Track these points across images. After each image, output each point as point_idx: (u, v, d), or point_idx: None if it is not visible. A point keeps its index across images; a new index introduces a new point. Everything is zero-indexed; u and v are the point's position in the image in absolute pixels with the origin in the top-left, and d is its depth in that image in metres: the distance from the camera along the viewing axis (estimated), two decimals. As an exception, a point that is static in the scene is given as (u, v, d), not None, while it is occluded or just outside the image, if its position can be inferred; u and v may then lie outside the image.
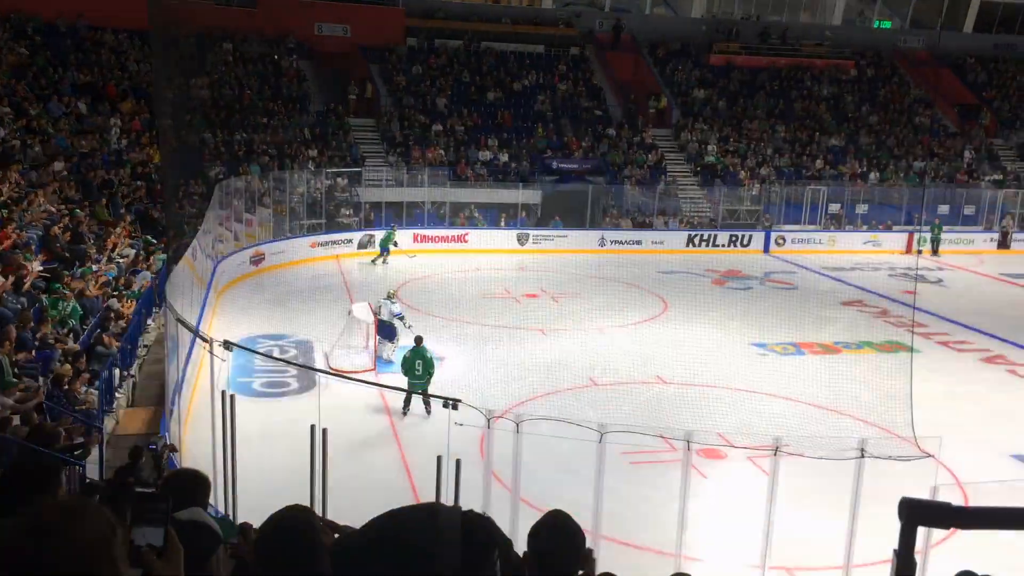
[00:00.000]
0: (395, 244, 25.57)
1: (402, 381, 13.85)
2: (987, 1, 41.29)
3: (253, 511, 9.81)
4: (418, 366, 13.68)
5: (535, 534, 2.70)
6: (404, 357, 14.03)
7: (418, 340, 14.04)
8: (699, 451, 11.04)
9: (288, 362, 15.42)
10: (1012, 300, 24.05)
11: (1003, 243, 31.93)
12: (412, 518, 1.80)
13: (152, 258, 18.92)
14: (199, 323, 15.02)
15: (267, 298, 21.17)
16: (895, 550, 1.79)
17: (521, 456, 9.04)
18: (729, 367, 16.87)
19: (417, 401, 13.75)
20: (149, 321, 16.62)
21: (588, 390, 15.47)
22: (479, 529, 2.36)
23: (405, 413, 13.78)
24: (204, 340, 11.46)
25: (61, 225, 17.10)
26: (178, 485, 3.64)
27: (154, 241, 19.98)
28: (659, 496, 10.55)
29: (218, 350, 10.50)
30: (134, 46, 29.41)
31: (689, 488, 9.16)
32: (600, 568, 3.29)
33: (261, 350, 16.05)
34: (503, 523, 9.42)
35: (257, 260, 23.78)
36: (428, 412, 13.50)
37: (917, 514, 1.81)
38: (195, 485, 3.61)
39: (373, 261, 25.36)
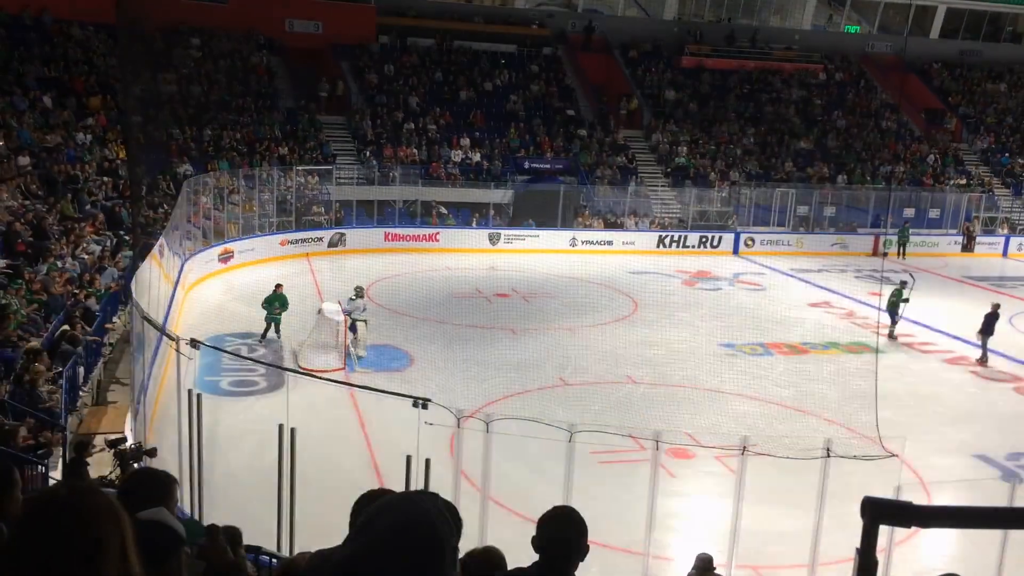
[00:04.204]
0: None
1: (371, 379, 13.78)
2: (953, 8, 42.00)
3: (221, 511, 9.75)
4: (277, 304, 17.38)
5: (544, 523, 2.95)
6: (266, 297, 17.43)
7: (278, 287, 17.65)
8: (668, 451, 11.10)
9: (256, 361, 15.27)
10: (974, 302, 24.45)
11: (967, 246, 32.48)
12: (411, 505, 1.77)
13: (118, 255, 18.66)
14: (166, 321, 14.84)
15: (236, 296, 20.96)
16: (857, 548, 1.81)
17: (491, 456, 9.03)
18: (698, 367, 16.99)
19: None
20: (115, 319, 16.38)
21: (558, 390, 15.50)
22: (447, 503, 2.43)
23: (261, 341, 17.15)
24: (171, 338, 11.31)
25: (24, 221, 16.80)
26: (140, 485, 3.58)
27: (126, 237, 19.70)
28: (628, 495, 10.59)
29: (185, 348, 10.37)
30: (101, 40, 28.98)
31: (658, 487, 9.21)
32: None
33: (229, 349, 15.89)
34: (472, 522, 9.38)
35: (226, 258, 23.54)
36: (277, 335, 17.37)
37: (879, 513, 1.84)
38: (158, 485, 3.55)
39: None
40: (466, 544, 4.38)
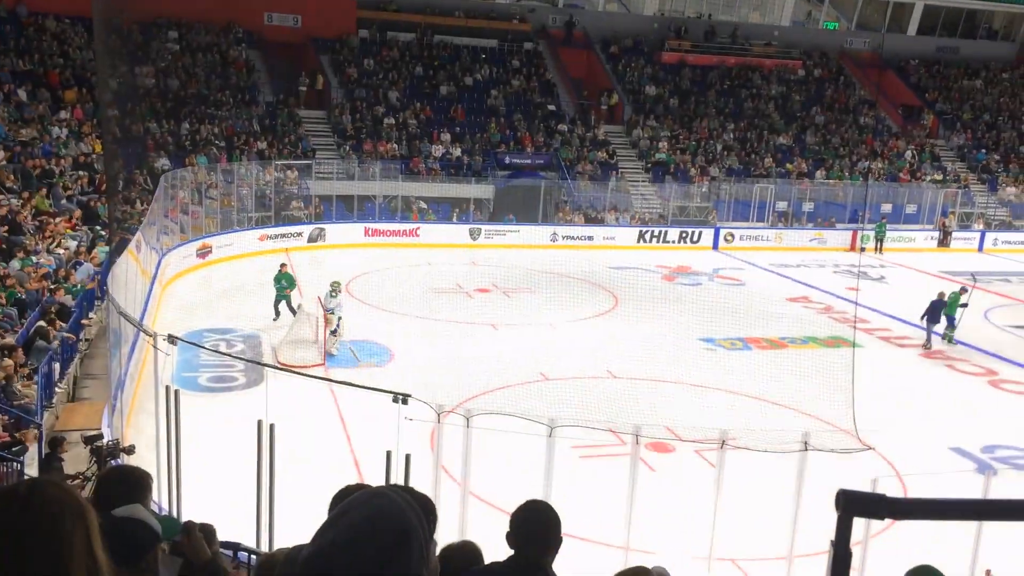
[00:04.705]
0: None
1: (351, 374, 13.74)
2: (930, 5, 42.36)
3: (199, 508, 9.68)
4: (284, 282, 18.29)
5: (517, 518, 2.99)
6: (275, 276, 18.41)
7: (282, 266, 18.79)
8: (647, 445, 11.17)
9: (235, 356, 15.18)
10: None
11: (943, 241, 32.81)
12: (380, 502, 1.76)
13: (95, 250, 18.46)
14: (143, 317, 14.71)
15: (214, 291, 20.81)
16: (832, 541, 1.82)
17: (471, 451, 9.03)
18: (678, 362, 17.06)
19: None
20: (91, 315, 16.21)
21: (539, 385, 15.51)
22: (423, 497, 2.42)
23: (276, 319, 17.92)
24: (148, 334, 11.22)
25: (-2, 215, 16.60)
26: (115, 482, 3.55)
27: (102, 232, 19.50)
28: (608, 490, 10.62)
29: (162, 344, 10.29)
30: (77, 33, 28.65)
31: (637, 481, 9.25)
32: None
33: (207, 344, 15.78)
34: (453, 517, 9.41)
35: (204, 253, 23.37)
36: (288, 312, 17.98)
37: (853, 505, 1.84)
38: (133, 481, 3.52)
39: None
40: (447, 538, 4.39)
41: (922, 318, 19.32)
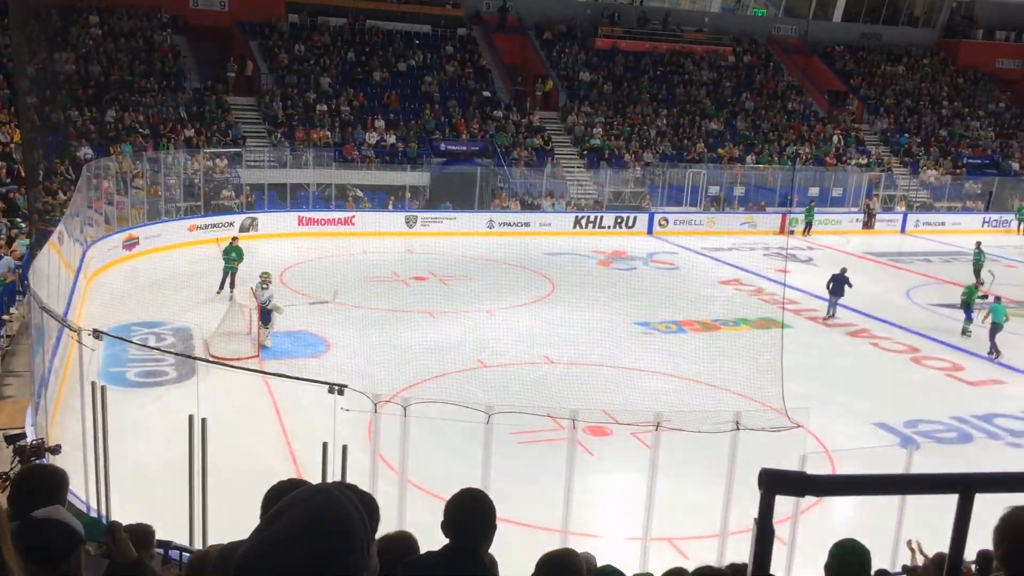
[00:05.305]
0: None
1: (286, 366, 13.56)
2: (854, -8, 43.44)
3: (131, 506, 9.46)
4: (233, 254, 19.15)
5: (452, 507, 3.03)
6: (224, 248, 19.42)
7: (234, 239, 19.73)
8: (585, 429, 11.27)
9: (164, 350, 14.83)
10: (875, 277, 25.54)
11: (868, 224, 33.81)
12: (321, 499, 1.72)
13: (15, 243, 17.78)
14: (67, 312, 14.27)
15: (142, 284, 20.28)
16: (755, 519, 1.86)
17: (408, 440, 9.00)
18: (614, 346, 17.26)
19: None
20: (12, 310, 15.63)
21: (477, 372, 15.54)
22: (366, 496, 2.40)
23: (219, 292, 18.73)
24: (71, 329, 10.88)
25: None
26: (33, 483, 3.44)
27: (23, 225, 18.78)
28: (547, 474, 10.71)
29: (87, 339, 9.99)
30: (-10, 16, 27.44)
31: (575, 465, 9.35)
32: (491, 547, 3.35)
33: (136, 338, 15.39)
34: (391, 506, 9.34)
35: (131, 244, 22.73)
36: (227, 289, 18.82)
37: (775, 483, 1.89)
38: (52, 482, 3.42)
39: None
40: (385, 528, 4.37)
41: (829, 292, 20.28)
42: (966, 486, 1.82)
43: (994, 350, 17.91)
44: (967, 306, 19.38)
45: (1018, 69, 44.78)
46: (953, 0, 45.17)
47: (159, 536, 6.65)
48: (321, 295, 19.16)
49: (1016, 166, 39.15)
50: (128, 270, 21.65)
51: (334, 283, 20.50)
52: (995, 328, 17.92)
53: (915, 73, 43.45)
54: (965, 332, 19.24)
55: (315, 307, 18.13)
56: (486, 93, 34.70)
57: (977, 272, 24.40)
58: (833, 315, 20.37)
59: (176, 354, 14.61)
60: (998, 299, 18.74)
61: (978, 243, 25.68)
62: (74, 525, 3.33)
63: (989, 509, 2.03)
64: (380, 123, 31.48)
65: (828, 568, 3.97)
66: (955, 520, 1.81)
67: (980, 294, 19.57)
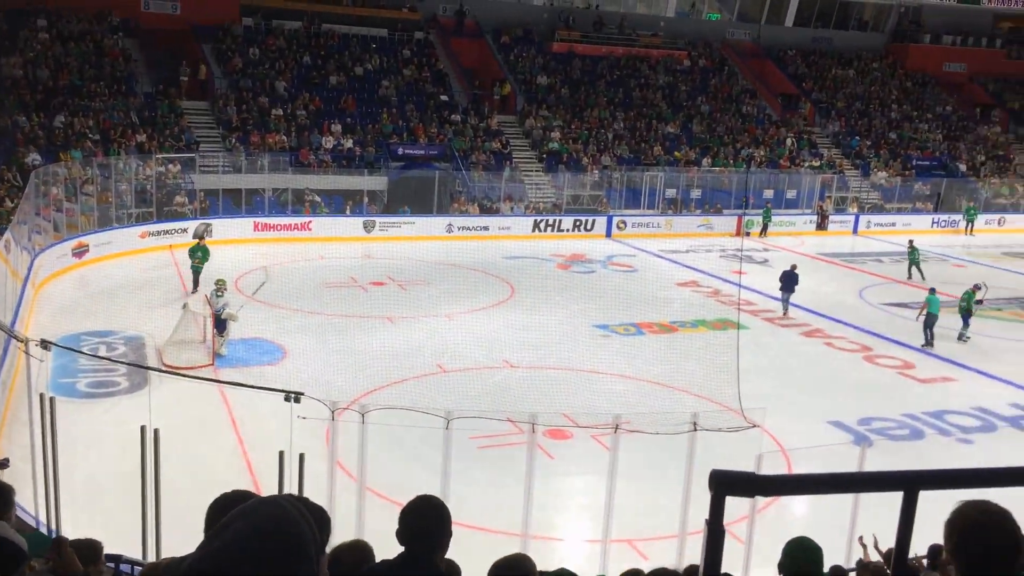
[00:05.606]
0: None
1: (242, 374, 13.37)
2: (805, -3, 44.20)
3: (83, 520, 9.24)
4: (200, 254, 19.47)
5: (406, 514, 2.99)
6: (191, 248, 19.80)
7: (201, 239, 20.21)
8: (545, 432, 11.30)
9: (115, 360, 14.53)
10: (829, 278, 25.98)
11: (821, 225, 34.38)
12: (272, 511, 1.68)
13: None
14: (14, 322, 13.94)
15: (92, 292, 19.87)
16: (706, 520, 1.87)
17: (367, 447, 8.93)
18: (574, 349, 17.32)
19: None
20: (-44, 321, 15.21)
21: (436, 377, 15.47)
22: (317, 508, 2.37)
23: (195, 292, 18.70)
24: (19, 340, 10.61)
25: None
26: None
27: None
28: (507, 479, 10.69)
29: (34, 350, 9.75)
30: (-68, 19, 26.74)
31: (536, 469, 9.35)
32: (447, 555, 3.33)
33: (86, 348, 15.07)
34: (350, 514, 9.25)
35: (80, 252, 22.25)
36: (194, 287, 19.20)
37: (725, 485, 1.90)
38: (-6, 499, 3.32)
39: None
40: (344, 536, 4.32)
41: (780, 290, 20.75)
42: (910, 484, 1.85)
43: (928, 341, 18.63)
44: (968, 313, 19.16)
45: (964, 73, 45.93)
46: (901, 5, 46.17)
47: (110, 550, 6.52)
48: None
49: (963, 167, 40.13)
50: (78, 278, 21.20)
51: (291, 290, 20.30)
52: (930, 319, 18.60)
53: (865, 77, 44.32)
54: (962, 338, 19.15)
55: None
56: (444, 97, 34.64)
57: (911, 268, 25.60)
58: (786, 312, 20.74)
59: (128, 364, 14.32)
60: (932, 291, 19.26)
61: (911, 241, 26.78)
62: (18, 541, 3.25)
63: (941, 505, 2.06)
64: (337, 127, 31.25)
65: (781, 566, 4.01)
66: (900, 516, 1.84)
67: (977, 299, 19.47)
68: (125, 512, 8.99)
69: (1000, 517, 2.04)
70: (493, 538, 9.50)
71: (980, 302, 19.80)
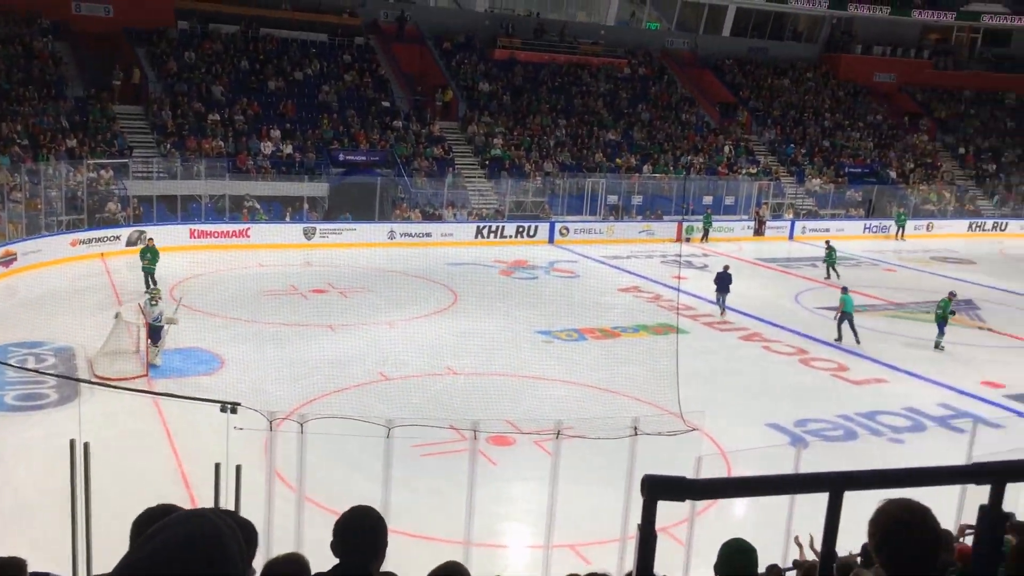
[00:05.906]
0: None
1: (178, 385, 13.06)
2: (742, 8, 45.10)
3: (10, 537, 8.91)
4: (149, 255, 19.80)
5: (340, 526, 2.97)
6: (141, 250, 20.21)
7: (150, 240, 20.73)
8: (488, 439, 11.27)
9: (44, 372, 14.07)
10: (766, 282, 26.51)
11: (758, 231, 35.08)
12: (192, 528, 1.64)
13: None
14: (-65, 333, 13.38)
15: (20, 302, 19.23)
16: (639, 524, 1.87)
17: (306, 457, 8.78)
18: (516, 355, 17.33)
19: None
20: None
21: (378, 385, 15.33)
22: (245, 523, 2.33)
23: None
24: (-61, 352, 10.19)
25: None
26: None
27: None
28: (450, 486, 10.63)
29: (-44, 363, 9.38)
30: None
31: (478, 476, 9.30)
32: (388, 564, 3.29)
33: (13, 360, 14.56)
34: (288, 525, 9.06)
35: (7, 261, 21.53)
36: (151, 285, 18.81)
37: (656, 489, 1.91)
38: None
39: None
40: (283, 547, 4.22)
41: (716, 291, 21.51)
42: (836, 485, 1.88)
43: (840, 336, 19.59)
44: (943, 320, 19.30)
45: (893, 83, 47.39)
46: (834, 17, 47.45)
47: (39, 568, 6.28)
48: (211, 308, 18.59)
49: (893, 174, 41.37)
50: (5, 288, 20.50)
51: (228, 298, 19.94)
52: (844, 317, 19.55)
53: (800, 86, 45.40)
54: (938, 346, 19.32)
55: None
56: (385, 103, 34.44)
57: (829, 268, 26.78)
58: (723, 313, 21.27)
59: (57, 376, 13.88)
60: (845, 289, 20.15)
61: (827, 242, 27.84)
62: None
63: (875, 504, 2.11)
64: (276, 133, 30.82)
65: (717, 568, 4.06)
66: (827, 516, 1.87)
67: (951, 308, 19.64)
68: (54, 529, 8.70)
69: (921, 514, 2.09)
70: (436, 546, 9.43)
71: (954, 312, 19.98)
